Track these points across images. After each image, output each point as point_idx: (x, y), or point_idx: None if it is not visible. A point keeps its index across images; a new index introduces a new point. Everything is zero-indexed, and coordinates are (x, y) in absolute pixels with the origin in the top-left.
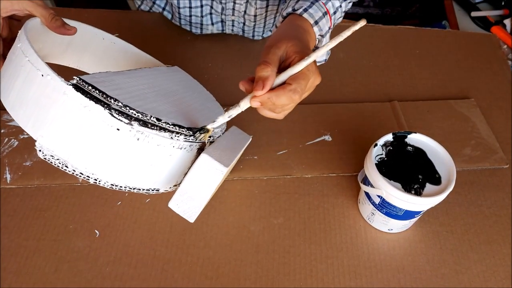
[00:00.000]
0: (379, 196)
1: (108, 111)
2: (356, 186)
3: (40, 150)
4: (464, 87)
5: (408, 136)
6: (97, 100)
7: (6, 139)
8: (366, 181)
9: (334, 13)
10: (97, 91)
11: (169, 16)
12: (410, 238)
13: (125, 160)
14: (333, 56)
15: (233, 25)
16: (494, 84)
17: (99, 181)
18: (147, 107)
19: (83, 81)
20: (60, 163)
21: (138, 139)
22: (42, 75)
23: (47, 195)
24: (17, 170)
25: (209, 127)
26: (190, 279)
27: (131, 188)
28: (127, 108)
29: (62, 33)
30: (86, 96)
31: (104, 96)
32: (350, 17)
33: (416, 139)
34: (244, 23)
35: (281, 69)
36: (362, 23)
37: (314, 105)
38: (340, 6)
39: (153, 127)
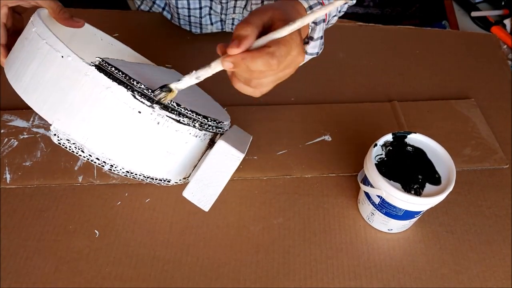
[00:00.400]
0: (378, 196)
1: (131, 92)
2: (356, 186)
3: (55, 135)
4: (464, 87)
5: (408, 136)
6: (120, 82)
7: (6, 139)
8: (366, 181)
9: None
10: (120, 73)
11: (169, 16)
12: (410, 238)
13: (143, 144)
14: (333, 56)
15: (233, 23)
16: (494, 84)
17: (115, 167)
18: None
19: (106, 62)
20: (76, 148)
21: (158, 123)
22: (62, 56)
23: (47, 195)
24: (17, 170)
25: (172, 86)
26: (190, 279)
27: (145, 177)
28: (149, 90)
29: (70, 25)
30: (109, 77)
31: (127, 78)
32: (350, 17)
33: (416, 139)
34: None
35: (262, 34)
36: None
37: (314, 105)
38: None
39: (173, 112)
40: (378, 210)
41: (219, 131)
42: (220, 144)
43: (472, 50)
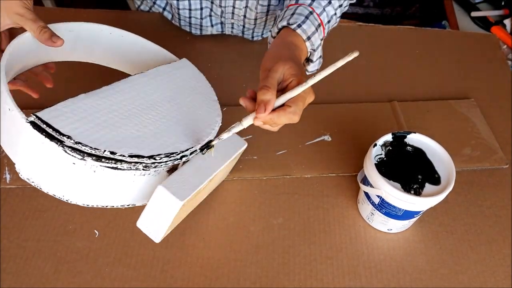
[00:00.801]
0: (378, 196)
1: (61, 148)
2: (355, 186)
3: (19, 173)
4: (464, 87)
5: (408, 136)
6: (51, 138)
7: None
8: (365, 181)
9: (328, 22)
10: (51, 129)
11: (169, 17)
12: (409, 238)
13: (89, 186)
14: (332, 56)
15: (232, 27)
16: (494, 84)
17: (71, 202)
18: (108, 136)
19: (39, 118)
20: (36, 185)
21: (94, 171)
22: (9, 109)
23: (46, 196)
24: (16, 171)
25: (213, 143)
26: (190, 279)
27: (103, 206)
28: (80, 144)
29: (50, 45)
30: (42, 134)
31: (58, 133)
32: (350, 17)
33: (415, 139)
34: (243, 26)
35: (278, 89)
36: (355, 54)
37: (314, 105)
38: (335, 13)
39: (108, 161)
40: (377, 210)
41: (178, 162)
42: (159, 189)
43: (472, 50)
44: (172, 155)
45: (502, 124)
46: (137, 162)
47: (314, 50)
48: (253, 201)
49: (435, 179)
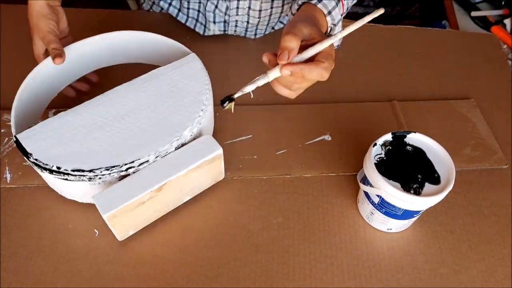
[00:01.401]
0: (378, 196)
1: (29, 161)
2: (355, 186)
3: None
4: (464, 87)
5: (408, 135)
6: (24, 153)
7: (6, 138)
8: (365, 181)
9: None
10: (23, 148)
11: (175, 12)
12: (409, 238)
13: (64, 186)
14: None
15: (236, 25)
16: (494, 84)
17: (66, 197)
18: (62, 152)
19: (17, 139)
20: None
21: (53, 178)
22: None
23: (47, 195)
24: (17, 170)
25: (235, 96)
26: (189, 278)
27: (83, 202)
28: (37, 160)
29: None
30: (19, 149)
31: (25, 151)
32: (350, 16)
33: (415, 138)
34: (248, 21)
35: (301, 46)
36: (381, 11)
37: (314, 105)
38: None
39: (58, 174)
40: (377, 209)
41: (125, 173)
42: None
43: (472, 50)
44: (113, 168)
45: (502, 124)
46: (81, 175)
47: (335, 25)
48: (253, 200)
49: (435, 179)
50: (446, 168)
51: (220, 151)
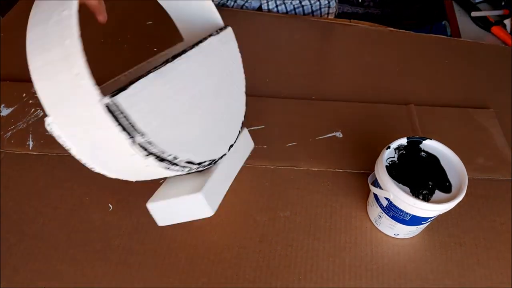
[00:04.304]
0: (386, 199)
1: (130, 141)
2: (366, 189)
3: (48, 126)
4: (484, 97)
5: (423, 142)
6: (123, 129)
7: (33, 109)
8: (375, 183)
9: None
10: (127, 121)
11: None
12: (416, 246)
13: (128, 169)
14: (359, 58)
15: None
16: None
17: (96, 170)
18: (173, 136)
19: (116, 106)
20: (64, 145)
21: (147, 166)
22: (77, 74)
23: (68, 166)
24: (40, 139)
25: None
26: (193, 259)
27: (126, 179)
28: (150, 144)
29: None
30: (114, 121)
31: (132, 128)
32: (350, 16)
33: (430, 145)
34: None
35: None
36: None
37: (328, 102)
38: None
39: (167, 163)
40: (385, 213)
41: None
42: (197, 197)
43: (495, 62)
44: (212, 162)
45: None
46: (186, 167)
47: None
48: (263, 192)
49: (446, 187)
50: (459, 177)
51: (253, 146)
